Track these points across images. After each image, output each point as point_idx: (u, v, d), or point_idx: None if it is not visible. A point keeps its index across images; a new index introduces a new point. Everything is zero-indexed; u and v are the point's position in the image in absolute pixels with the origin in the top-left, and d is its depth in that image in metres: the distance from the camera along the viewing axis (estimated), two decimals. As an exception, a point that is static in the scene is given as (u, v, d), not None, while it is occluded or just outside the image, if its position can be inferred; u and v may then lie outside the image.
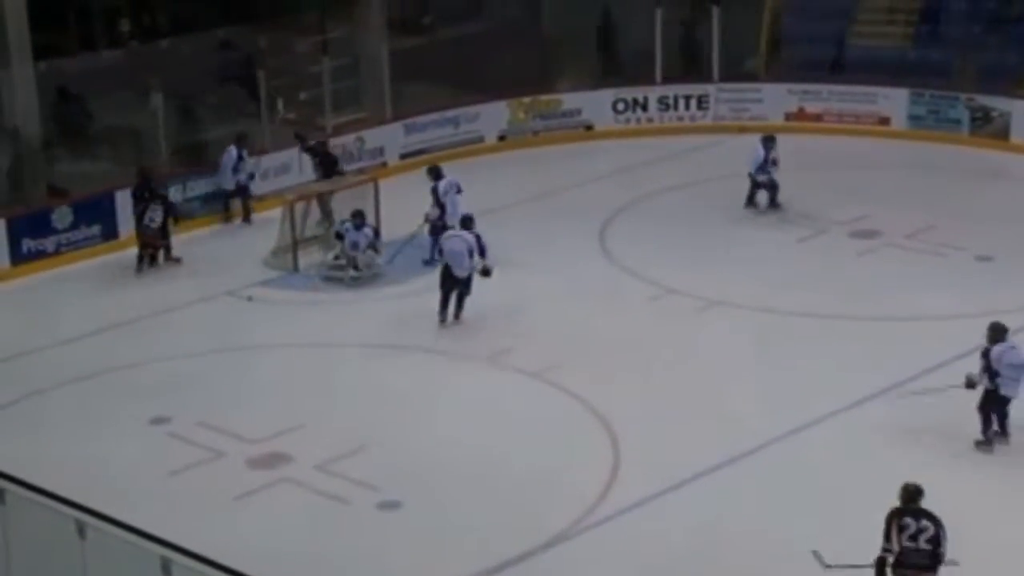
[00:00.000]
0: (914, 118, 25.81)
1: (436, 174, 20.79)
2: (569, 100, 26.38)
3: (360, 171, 23.57)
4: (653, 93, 26.40)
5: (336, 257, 20.36)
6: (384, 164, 24.41)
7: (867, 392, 16.44)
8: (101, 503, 11.56)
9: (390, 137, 24.77)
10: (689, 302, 19.11)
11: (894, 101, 25.87)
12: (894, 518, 12.30)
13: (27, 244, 20.91)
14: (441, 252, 18.71)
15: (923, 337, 17.79)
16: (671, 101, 26.40)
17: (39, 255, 20.99)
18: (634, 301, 19.29)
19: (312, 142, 22.99)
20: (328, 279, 20.28)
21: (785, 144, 25.36)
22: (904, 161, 24.12)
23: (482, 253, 18.50)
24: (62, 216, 21.26)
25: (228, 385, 17.27)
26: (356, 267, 20.08)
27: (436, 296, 18.98)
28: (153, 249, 21.00)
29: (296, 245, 20.78)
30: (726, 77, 26.57)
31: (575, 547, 13.83)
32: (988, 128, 25.26)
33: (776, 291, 19.23)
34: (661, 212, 22.26)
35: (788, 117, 26.28)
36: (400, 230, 21.43)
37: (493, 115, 25.87)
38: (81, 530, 10.88)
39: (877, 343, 17.78)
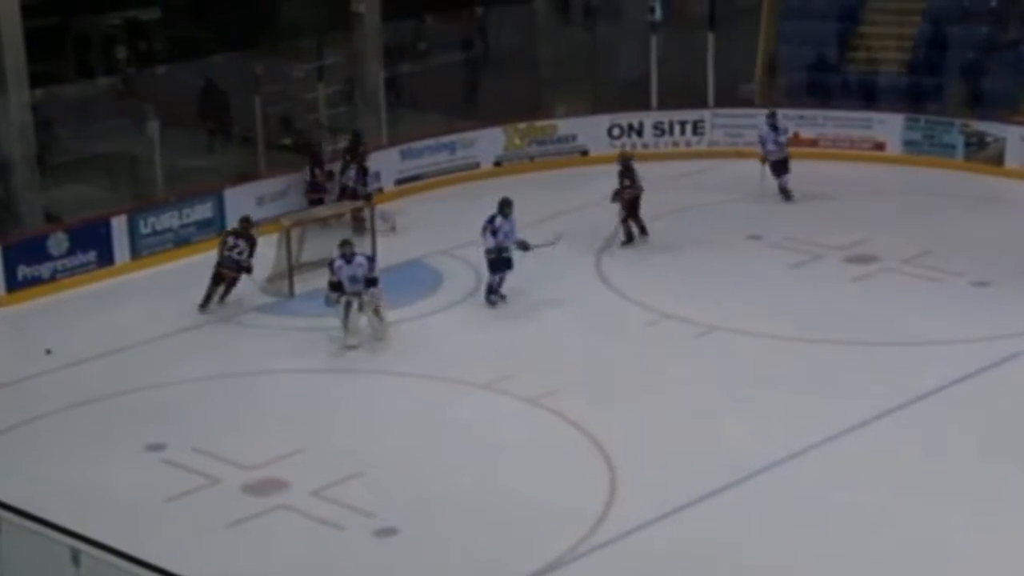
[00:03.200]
0: (909, 144, 25.86)
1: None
2: (564, 126, 26.44)
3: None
4: (648, 119, 26.47)
5: (339, 300, 18.71)
6: (380, 190, 24.44)
7: (863, 418, 16.43)
8: (96, 530, 11.52)
9: (386, 162, 24.80)
10: (685, 328, 19.10)
11: (889, 127, 25.92)
12: (223, 240, 20.16)
13: (23, 271, 20.89)
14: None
15: (920, 363, 17.80)
16: (666, 127, 26.46)
17: (35, 282, 20.97)
18: (631, 327, 19.29)
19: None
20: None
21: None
22: (899, 186, 24.16)
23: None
24: (58, 243, 21.25)
25: (224, 411, 17.24)
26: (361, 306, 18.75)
27: (431, 319, 19.07)
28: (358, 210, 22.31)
29: (292, 271, 20.78)
30: (721, 103, 26.64)
31: (572, 573, 13.77)
32: (983, 154, 25.31)
33: (772, 317, 19.22)
34: (657, 237, 22.25)
35: (783, 143, 26.32)
36: (397, 255, 21.47)
37: (489, 141, 25.92)
38: (75, 558, 10.83)
39: (873, 369, 17.77)
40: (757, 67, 27.72)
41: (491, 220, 19.93)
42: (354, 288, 18.68)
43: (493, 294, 19.97)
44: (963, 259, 20.94)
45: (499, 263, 19.85)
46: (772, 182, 23.84)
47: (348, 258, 18.71)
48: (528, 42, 30.22)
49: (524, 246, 20.01)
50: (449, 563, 14.00)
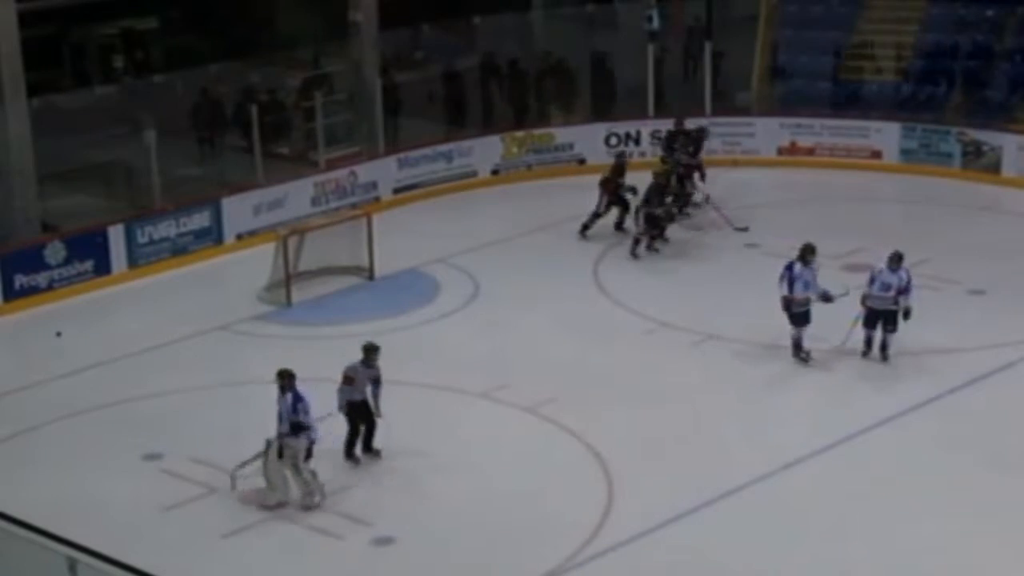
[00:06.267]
0: (906, 152, 25.88)
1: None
2: (562, 134, 26.45)
3: (353, 206, 23.63)
4: (646, 127, 26.47)
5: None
6: (377, 199, 24.45)
7: (860, 426, 16.43)
8: (93, 540, 11.49)
9: (383, 171, 24.80)
10: (683, 336, 19.10)
11: (886, 135, 25.95)
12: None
13: (19, 280, 20.88)
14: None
15: (916, 371, 17.80)
16: (664, 135, 26.44)
17: (32, 291, 20.96)
18: (628, 335, 19.28)
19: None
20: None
21: (777, 178, 25.53)
22: (896, 195, 24.17)
23: None
24: (55, 252, 21.24)
25: (221, 420, 17.20)
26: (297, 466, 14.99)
27: (428, 328, 19.07)
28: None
29: (289, 280, 20.77)
30: (719, 111, 26.66)
31: (569, 582, 13.79)
32: (979, 162, 25.34)
33: (770, 325, 19.18)
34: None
35: (780, 151, 26.35)
36: (394, 265, 21.44)
37: (486, 149, 25.92)
38: (72, 567, 10.81)
39: (870, 377, 17.78)
40: (754, 76, 27.75)
41: (789, 267, 18.00)
42: (282, 428, 14.99)
43: (800, 350, 18.04)
44: (960, 267, 20.95)
45: (798, 316, 17.95)
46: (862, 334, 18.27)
47: (282, 389, 15.06)
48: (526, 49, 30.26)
49: (827, 297, 18.04)
50: (446, 572, 13.98)
